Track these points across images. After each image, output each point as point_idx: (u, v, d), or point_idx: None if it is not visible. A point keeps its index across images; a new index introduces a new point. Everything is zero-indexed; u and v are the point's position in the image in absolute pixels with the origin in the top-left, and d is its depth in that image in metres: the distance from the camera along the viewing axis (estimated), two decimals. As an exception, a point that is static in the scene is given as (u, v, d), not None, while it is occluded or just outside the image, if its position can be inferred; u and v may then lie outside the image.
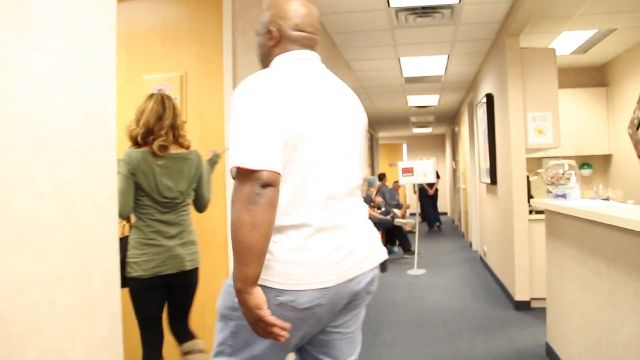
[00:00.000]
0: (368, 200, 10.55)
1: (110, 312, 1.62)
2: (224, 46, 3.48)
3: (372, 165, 14.61)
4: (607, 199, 5.09)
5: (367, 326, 4.94)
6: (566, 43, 6.46)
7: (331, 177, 1.68)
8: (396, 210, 10.76)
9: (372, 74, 8.05)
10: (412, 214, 14.53)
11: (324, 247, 1.62)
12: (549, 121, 5.37)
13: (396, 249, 10.03)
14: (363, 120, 1.91)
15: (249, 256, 1.47)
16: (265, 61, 1.86)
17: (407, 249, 9.36)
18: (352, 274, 1.68)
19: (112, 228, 1.65)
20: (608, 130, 7.46)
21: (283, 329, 1.52)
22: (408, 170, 8.10)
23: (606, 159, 7.76)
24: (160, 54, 3.68)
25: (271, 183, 1.50)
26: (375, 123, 14.44)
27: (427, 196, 13.99)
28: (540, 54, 5.44)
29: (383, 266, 1.87)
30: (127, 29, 3.74)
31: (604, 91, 7.53)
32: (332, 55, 6.03)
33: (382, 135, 17.96)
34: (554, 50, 5.46)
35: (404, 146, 18.84)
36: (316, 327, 1.71)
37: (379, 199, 11.07)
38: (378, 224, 9.33)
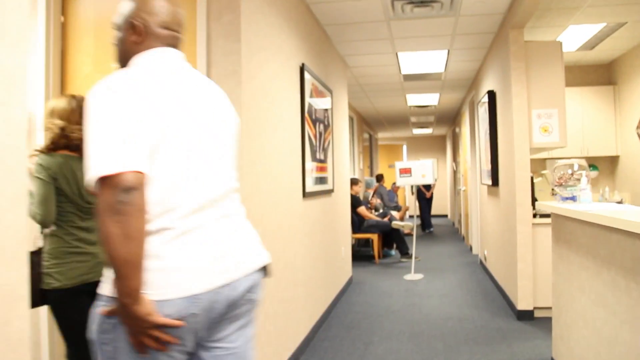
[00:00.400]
0: (365, 201, 10.23)
1: (12, 338, 1.29)
2: (198, 31, 3.14)
3: (370, 166, 14.31)
4: (620, 201, 4.77)
5: (358, 336, 4.61)
6: (572, 38, 6.13)
7: (201, 181, 1.59)
8: (394, 213, 10.43)
9: (369, 70, 7.72)
10: (411, 216, 14.23)
11: (189, 251, 1.51)
12: (555, 118, 5.03)
13: (393, 252, 9.72)
14: (235, 122, 1.84)
15: (129, 270, 1.37)
16: (124, 59, 1.72)
17: (404, 252, 9.02)
18: (224, 279, 1.57)
19: (16, 234, 1.32)
20: (615, 131, 7.14)
21: (173, 330, 1.45)
22: (406, 171, 7.76)
23: (613, 161, 7.43)
24: (130, 40, 3.35)
25: (135, 186, 1.37)
26: (374, 123, 14.11)
27: (423, 199, 13.69)
28: (546, 47, 5.11)
29: (265, 271, 1.78)
30: (94, 15, 3.42)
31: (611, 90, 7.21)
32: (325, 49, 5.70)
33: (382, 135, 17.64)
34: (560, 43, 5.12)
35: (404, 147, 18.53)
36: (195, 341, 1.57)
37: (376, 201, 10.74)
38: (374, 226, 9.01)
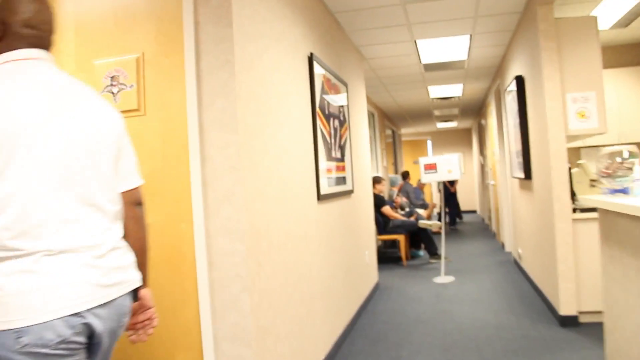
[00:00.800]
0: (390, 200, 9.80)
1: None
2: (184, 17, 2.77)
3: (395, 163, 13.87)
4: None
5: (385, 351, 4.19)
6: (605, 15, 5.62)
7: (59, 195, 1.48)
8: (421, 211, 9.97)
9: (387, 62, 7.28)
10: (439, 213, 13.76)
11: (65, 267, 1.44)
12: (593, 102, 4.56)
13: (422, 252, 9.26)
14: (111, 127, 1.71)
15: None
16: None
17: (433, 252, 8.57)
18: (104, 298, 1.53)
19: None
20: (656, 114, 6.60)
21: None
22: (431, 167, 7.30)
23: (654, 146, 6.88)
24: (113, 34, 2.99)
25: None
26: (397, 118, 13.65)
27: (449, 194, 13.34)
28: (580, 24, 4.63)
29: (135, 295, 1.76)
30: (75, 7, 3.07)
31: (649, 70, 6.67)
32: (338, 39, 5.29)
33: (405, 131, 17.18)
34: (595, 18, 4.64)
35: (429, 142, 18.02)
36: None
37: (401, 199, 10.29)
38: (400, 226, 8.58)
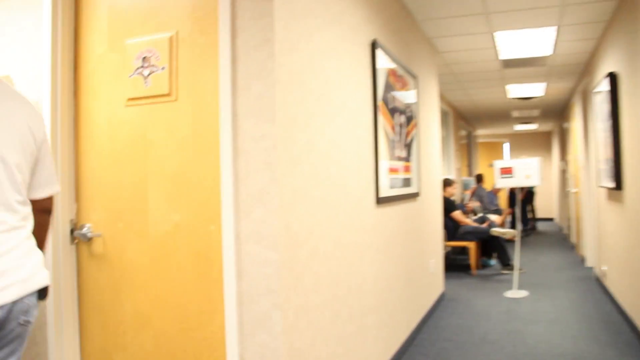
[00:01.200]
0: (461, 204, 9.22)
1: None
2: (220, -11, 2.42)
3: (469, 165, 13.24)
4: None
5: (444, 378, 3.72)
6: None
7: None
8: (494, 217, 9.33)
9: (462, 56, 6.73)
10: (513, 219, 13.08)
11: None
12: (703, 102, 3.92)
13: (493, 262, 8.64)
14: (30, 133, 1.72)
15: None
16: None
17: (505, 263, 7.95)
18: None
19: None
20: None
21: None
22: (507, 171, 6.69)
23: None
24: (146, 11, 2.68)
25: None
26: (472, 118, 12.98)
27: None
28: (690, 11, 4.00)
29: (42, 293, 1.74)
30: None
31: None
32: (406, 27, 4.82)
33: (481, 132, 16.42)
34: None
35: (506, 145, 17.15)
36: None
37: (474, 204, 9.69)
38: (471, 233, 8.01)
